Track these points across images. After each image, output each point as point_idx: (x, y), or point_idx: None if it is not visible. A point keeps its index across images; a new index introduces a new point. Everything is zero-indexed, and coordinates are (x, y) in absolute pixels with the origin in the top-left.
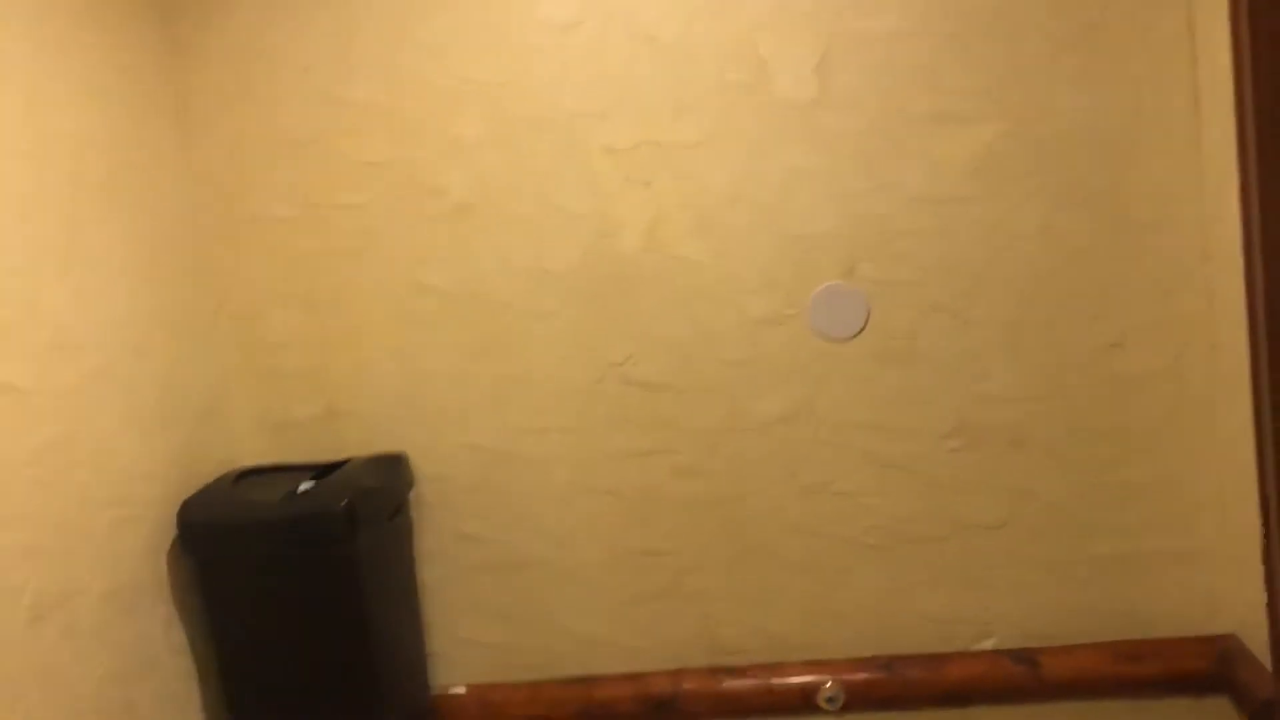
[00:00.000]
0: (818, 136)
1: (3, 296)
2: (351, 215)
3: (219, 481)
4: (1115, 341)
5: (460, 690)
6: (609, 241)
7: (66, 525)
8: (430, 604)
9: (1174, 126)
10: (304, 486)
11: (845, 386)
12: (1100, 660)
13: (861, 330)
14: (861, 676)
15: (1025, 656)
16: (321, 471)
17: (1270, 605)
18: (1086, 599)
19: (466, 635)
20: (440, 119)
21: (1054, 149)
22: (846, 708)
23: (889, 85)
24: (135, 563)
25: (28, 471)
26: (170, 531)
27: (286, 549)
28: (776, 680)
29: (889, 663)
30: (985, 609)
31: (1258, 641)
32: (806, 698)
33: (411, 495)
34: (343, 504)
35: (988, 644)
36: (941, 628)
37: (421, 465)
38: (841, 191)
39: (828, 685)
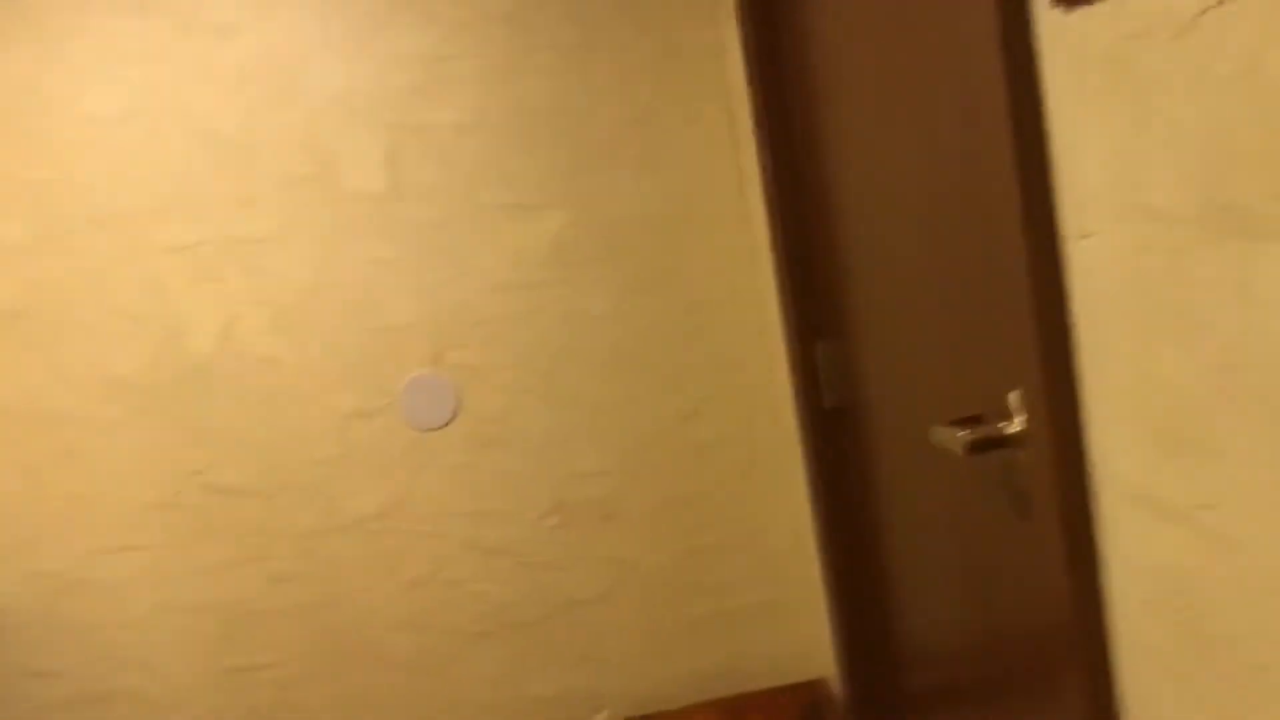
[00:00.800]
0: (393, 228)
1: None
2: None
3: None
4: (690, 412)
5: None
6: (178, 344)
7: None
8: None
9: (723, 209)
10: None
11: (441, 475)
12: (708, 719)
13: (453, 418)
14: None
15: None
16: None
17: (837, 649)
18: (691, 661)
19: None
20: None
21: (619, 234)
22: None
23: (459, 176)
24: None
25: None
26: None
27: None
28: None
29: None
30: (595, 683)
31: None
32: None
33: None
34: None
35: (600, 717)
36: (554, 707)
37: None
38: (422, 281)
39: None
